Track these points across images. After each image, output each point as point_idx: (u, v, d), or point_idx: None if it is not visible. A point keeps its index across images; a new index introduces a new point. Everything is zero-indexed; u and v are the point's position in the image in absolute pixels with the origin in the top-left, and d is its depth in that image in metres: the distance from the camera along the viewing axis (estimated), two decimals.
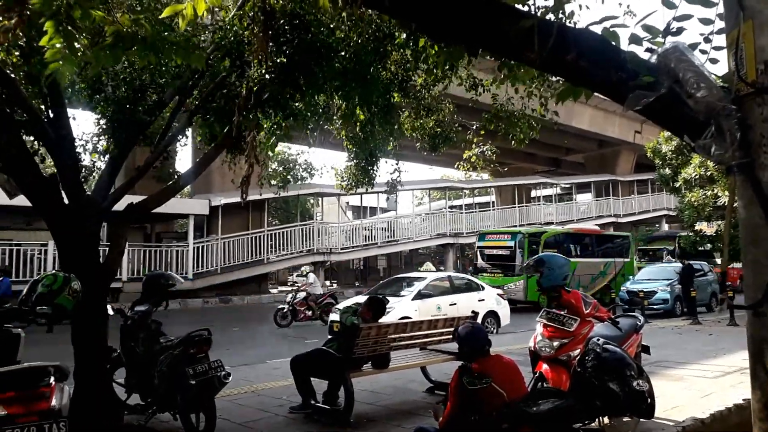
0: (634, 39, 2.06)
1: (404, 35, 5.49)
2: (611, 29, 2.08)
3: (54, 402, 3.08)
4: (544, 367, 5.24)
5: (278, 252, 23.18)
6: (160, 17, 2.87)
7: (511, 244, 19.94)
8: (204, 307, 19.98)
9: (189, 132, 8.02)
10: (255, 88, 4.81)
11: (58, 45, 2.31)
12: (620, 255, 23.11)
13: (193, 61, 2.91)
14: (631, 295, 17.30)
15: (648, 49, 2.13)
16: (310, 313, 14.83)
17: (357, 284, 29.32)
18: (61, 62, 2.27)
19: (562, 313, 5.36)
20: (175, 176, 6.80)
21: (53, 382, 3.16)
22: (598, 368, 3.63)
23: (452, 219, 29.26)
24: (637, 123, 36.26)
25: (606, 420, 4.77)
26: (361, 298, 9.23)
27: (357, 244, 26.12)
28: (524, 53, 2.10)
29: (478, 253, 21.35)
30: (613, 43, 2.12)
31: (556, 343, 5.21)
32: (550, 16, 2.16)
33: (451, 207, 31.64)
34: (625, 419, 4.78)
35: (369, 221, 28.96)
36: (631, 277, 21.01)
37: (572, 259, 19.87)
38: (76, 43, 2.34)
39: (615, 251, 23.01)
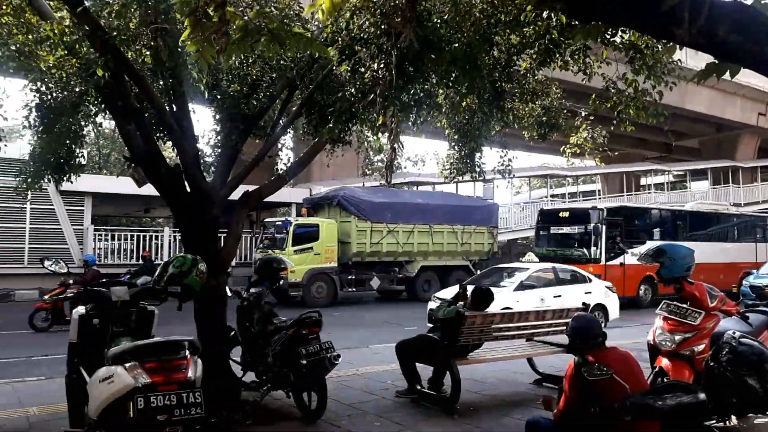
0: None
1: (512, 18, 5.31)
2: (762, 1, 1.90)
3: (190, 373, 3.32)
4: (664, 362, 4.95)
5: None
6: (303, 14, 2.99)
7: None
8: None
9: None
10: (369, 85, 4.81)
11: (195, 39, 2.49)
12: None
13: (315, 49, 3.02)
14: (756, 290, 15.91)
15: None
16: None
17: None
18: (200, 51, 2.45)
19: (684, 306, 5.03)
20: (285, 166, 7.07)
21: (188, 355, 3.39)
22: (734, 362, 3.34)
23: None
24: (761, 104, 33.16)
25: (735, 420, 4.42)
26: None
27: None
28: (671, 30, 1.97)
29: None
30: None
31: (678, 337, 4.90)
32: None
33: (553, 196, 30.52)
34: (761, 420, 4.40)
35: None
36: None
37: None
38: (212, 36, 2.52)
39: None
